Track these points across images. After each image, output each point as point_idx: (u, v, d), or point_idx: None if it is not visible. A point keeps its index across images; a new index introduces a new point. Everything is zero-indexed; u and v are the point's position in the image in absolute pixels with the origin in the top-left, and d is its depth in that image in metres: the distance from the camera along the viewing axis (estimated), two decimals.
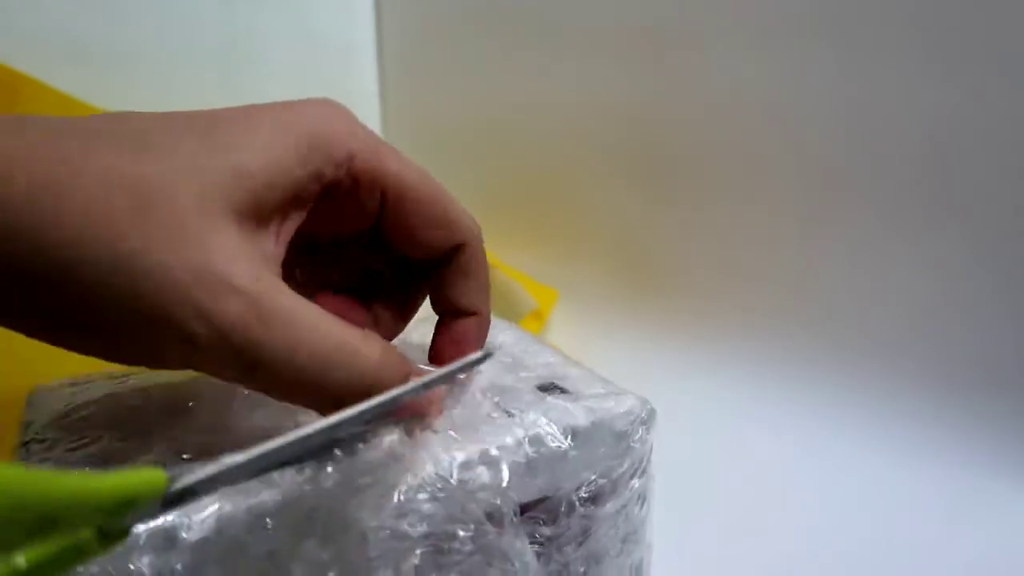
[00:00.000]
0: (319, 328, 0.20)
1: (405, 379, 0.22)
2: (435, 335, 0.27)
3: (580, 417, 0.26)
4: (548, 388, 0.28)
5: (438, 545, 0.22)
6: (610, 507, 0.26)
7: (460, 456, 0.23)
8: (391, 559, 0.21)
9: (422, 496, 0.22)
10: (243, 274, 0.19)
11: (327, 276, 0.27)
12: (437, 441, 0.24)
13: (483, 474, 0.23)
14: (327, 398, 0.20)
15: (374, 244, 0.26)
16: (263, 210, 0.21)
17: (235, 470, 0.17)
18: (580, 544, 0.26)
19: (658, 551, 0.42)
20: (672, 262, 0.61)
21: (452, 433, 0.24)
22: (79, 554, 0.14)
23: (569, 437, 0.25)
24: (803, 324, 0.56)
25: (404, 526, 0.21)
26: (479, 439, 0.24)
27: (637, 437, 0.27)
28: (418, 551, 0.22)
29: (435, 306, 0.27)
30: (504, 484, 0.23)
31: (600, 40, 0.60)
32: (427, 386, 0.22)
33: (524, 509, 0.25)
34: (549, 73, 0.62)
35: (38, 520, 0.13)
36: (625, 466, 0.27)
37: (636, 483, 0.27)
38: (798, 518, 0.44)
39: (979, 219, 0.49)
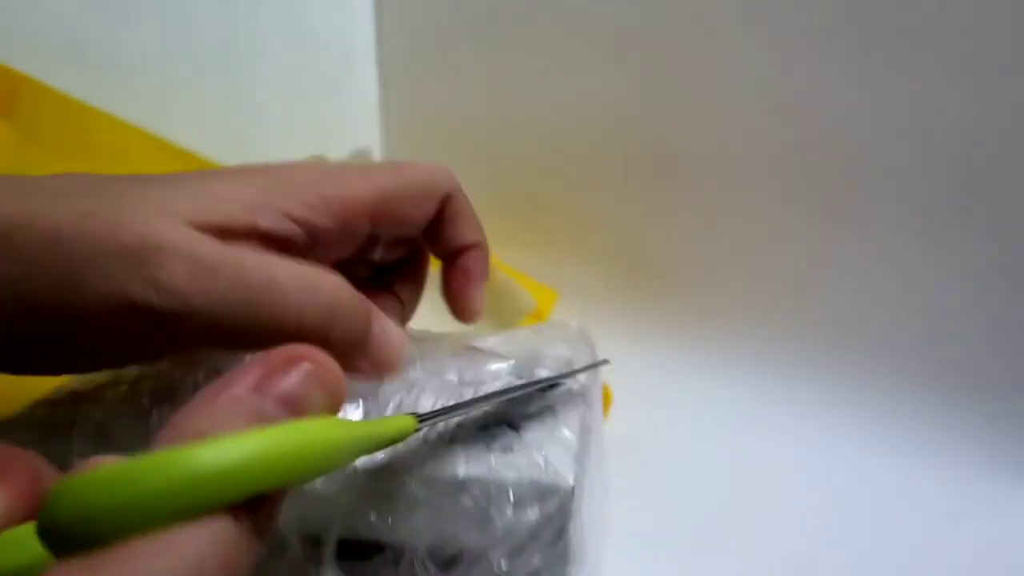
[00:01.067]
0: (267, 267, 0.21)
1: (365, 312, 0.23)
2: (443, 277, 0.29)
3: (459, 469, 0.23)
4: (490, 426, 0.25)
5: None
6: None
7: None
8: None
9: None
10: (186, 239, 0.20)
11: None
12: None
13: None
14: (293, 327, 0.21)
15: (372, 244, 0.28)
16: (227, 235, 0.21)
17: (455, 410, 0.22)
18: None
19: (656, 550, 0.42)
20: (672, 262, 0.61)
21: None
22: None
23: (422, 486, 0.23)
24: (804, 324, 0.56)
25: None
26: None
27: (507, 514, 0.23)
28: None
29: (439, 255, 0.30)
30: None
31: (600, 40, 0.60)
32: (554, 384, 0.26)
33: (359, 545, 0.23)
34: (549, 73, 0.62)
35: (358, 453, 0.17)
36: (488, 540, 0.23)
37: (508, 564, 0.23)
38: (798, 518, 0.44)
39: (979, 219, 0.49)
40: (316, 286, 0.21)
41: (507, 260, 0.63)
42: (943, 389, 0.51)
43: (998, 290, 0.49)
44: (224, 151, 0.54)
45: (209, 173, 0.23)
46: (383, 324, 0.23)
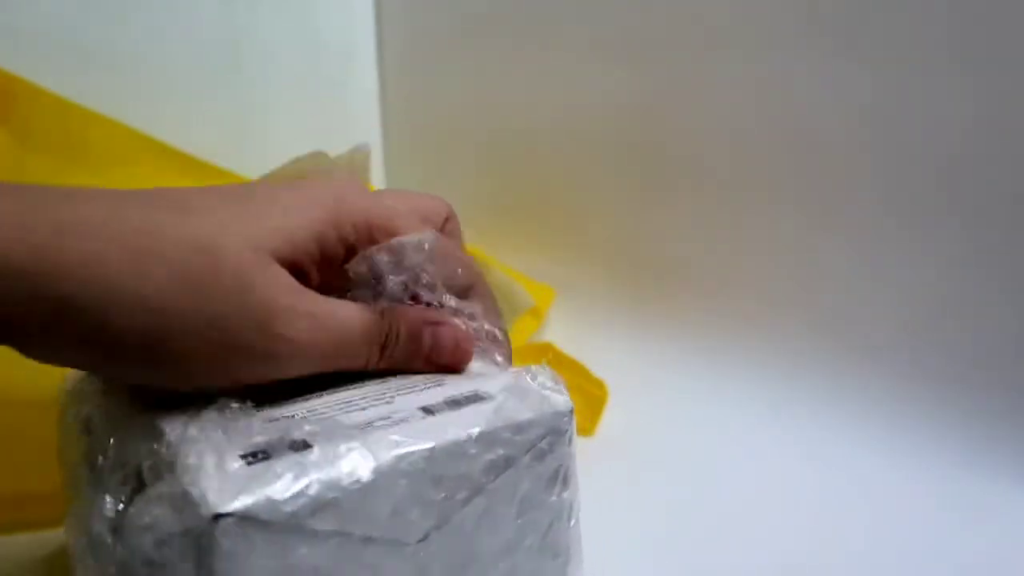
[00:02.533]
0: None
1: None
2: None
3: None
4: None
5: None
6: None
7: None
8: None
9: None
10: (301, 301, 0.24)
11: None
12: None
13: None
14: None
15: None
16: (299, 262, 0.25)
17: None
18: None
19: (651, 550, 0.42)
20: (669, 260, 0.61)
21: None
22: None
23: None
24: (802, 323, 0.56)
25: None
26: None
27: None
28: None
29: None
30: None
31: (599, 41, 0.60)
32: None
33: None
34: (548, 73, 0.62)
35: None
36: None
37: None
38: (797, 518, 0.44)
39: (979, 219, 0.49)
40: (368, 327, 0.26)
41: (505, 259, 0.63)
42: (943, 389, 0.51)
43: (999, 289, 0.49)
44: (224, 151, 0.55)
45: (273, 197, 0.25)
46: (433, 331, 0.27)
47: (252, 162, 0.47)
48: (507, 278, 0.62)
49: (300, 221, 0.25)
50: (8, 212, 0.20)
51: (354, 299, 0.27)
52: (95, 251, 0.21)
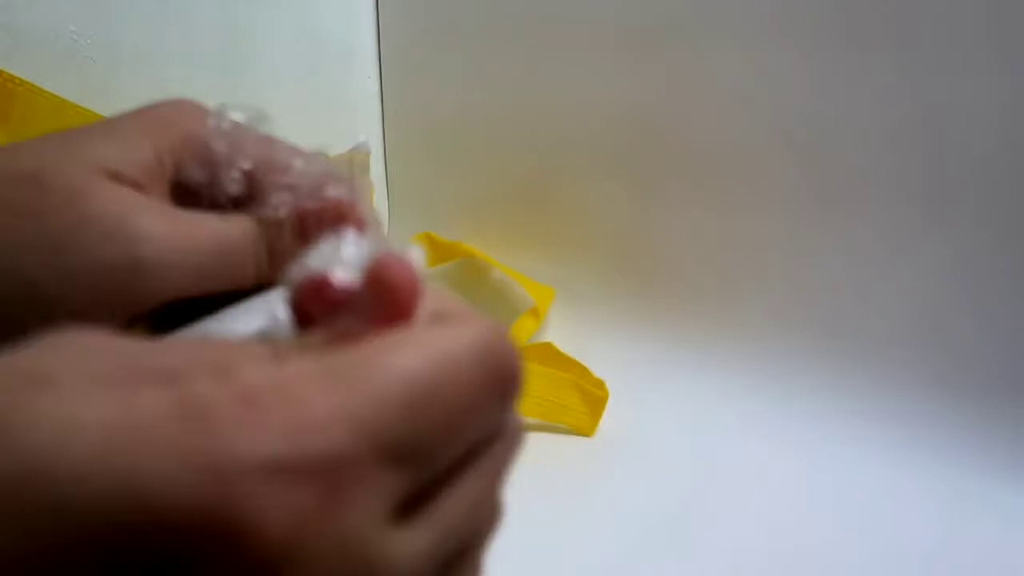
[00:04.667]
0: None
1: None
2: None
3: None
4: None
5: None
6: None
7: None
8: None
9: None
10: (151, 207, 0.22)
11: None
12: None
13: None
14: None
15: None
16: (141, 183, 0.23)
17: None
18: None
19: (651, 548, 0.42)
20: (669, 261, 0.61)
21: None
22: None
23: None
24: (800, 323, 0.56)
25: None
26: None
27: None
28: None
29: None
30: None
31: (599, 40, 0.59)
32: None
33: None
34: (547, 73, 0.62)
35: None
36: None
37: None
38: (795, 517, 0.44)
39: (977, 219, 0.49)
40: (250, 229, 0.24)
41: (505, 259, 0.63)
42: (942, 388, 0.51)
43: (999, 289, 0.49)
44: None
45: (108, 129, 0.24)
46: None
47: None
48: (507, 278, 0.62)
49: (137, 142, 0.23)
50: None
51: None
52: None
